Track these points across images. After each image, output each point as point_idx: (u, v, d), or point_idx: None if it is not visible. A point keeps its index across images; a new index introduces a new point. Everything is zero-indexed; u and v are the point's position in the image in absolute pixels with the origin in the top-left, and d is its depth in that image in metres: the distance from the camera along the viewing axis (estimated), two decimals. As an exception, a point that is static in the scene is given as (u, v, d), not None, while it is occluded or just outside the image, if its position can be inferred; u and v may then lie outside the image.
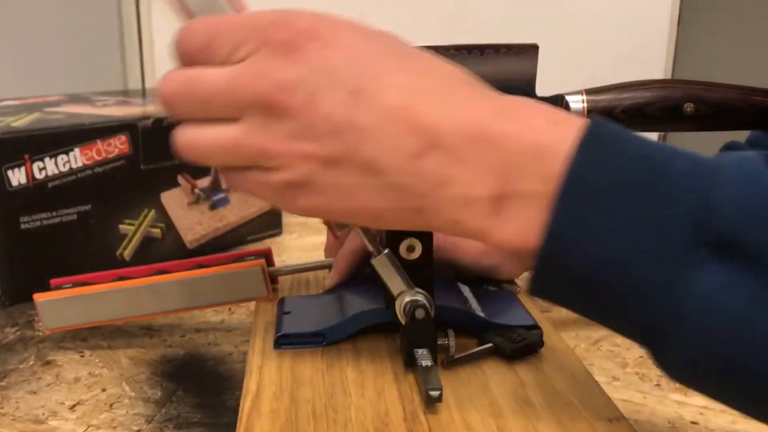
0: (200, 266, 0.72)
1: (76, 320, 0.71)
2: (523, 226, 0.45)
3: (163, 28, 1.29)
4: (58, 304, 0.71)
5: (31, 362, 0.73)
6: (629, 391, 0.68)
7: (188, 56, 0.51)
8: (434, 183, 0.46)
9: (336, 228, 0.59)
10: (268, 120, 0.48)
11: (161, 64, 1.32)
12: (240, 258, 0.73)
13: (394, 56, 0.49)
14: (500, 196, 0.45)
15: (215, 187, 1.02)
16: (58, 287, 0.72)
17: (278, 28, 0.48)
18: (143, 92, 1.24)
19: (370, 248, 0.59)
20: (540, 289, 0.47)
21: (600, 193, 0.43)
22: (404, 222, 0.49)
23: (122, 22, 1.32)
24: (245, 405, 0.54)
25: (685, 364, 0.43)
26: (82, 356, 0.74)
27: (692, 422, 0.63)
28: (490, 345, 0.61)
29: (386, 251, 0.59)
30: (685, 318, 0.42)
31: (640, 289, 0.43)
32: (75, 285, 0.71)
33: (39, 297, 0.71)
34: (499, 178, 0.45)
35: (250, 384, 0.57)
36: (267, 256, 0.74)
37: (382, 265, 0.59)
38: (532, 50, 0.62)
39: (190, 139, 0.51)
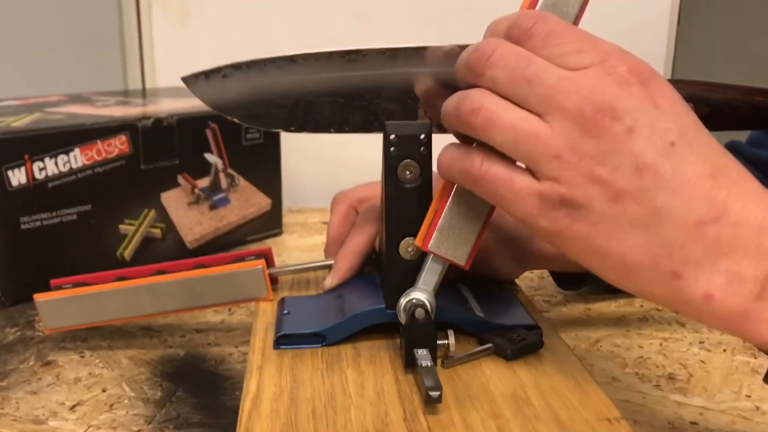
0: (200, 266, 0.72)
1: (77, 320, 0.71)
2: None
3: (163, 28, 1.29)
4: (59, 304, 0.70)
5: (32, 362, 0.73)
6: (629, 392, 0.68)
7: (520, 37, 0.51)
8: (709, 252, 0.46)
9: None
10: (578, 133, 0.48)
11: (161, 64, 1.32)
12: (240, 258, 0.73)
13: (703, 129, 0.50)
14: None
15: (215, 187, 1.02)
16: (58, 287, 0.72)
17: (618, 57, 0.49)
18: (143, 92, 1.24)
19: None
20: None
21: None
22: (650, 283, 0.49)
23: (122, 23, 1.32)
24: (245, 405, 0.54)
25: None
26: (83, 357, 0.74)
27: (692, 422, 0.63)
28: (489, 345, 0.61)
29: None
30: None
31: None
32: (75, 285, 0.71)
33: (39, 297, 0.71)
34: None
35: (250, 384, 0.57)
36: (267, 256, 0.74)
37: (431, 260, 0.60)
38: (532, 51, 0.61)
39: (490, 108, 0.51)
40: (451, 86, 0.57)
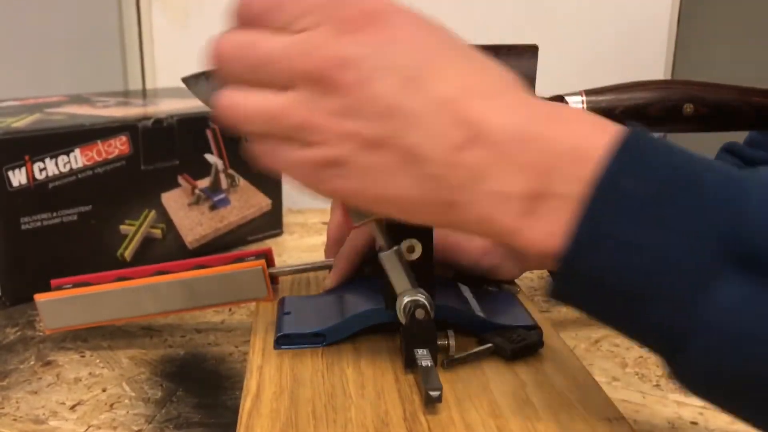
0: (200, 267, 0.72)
1: (77, 320, 0.71)
2: (553, 228, 0.45)
3: (163, 28, 1.29)
4: (59, 304, 0.71)
5: (32, 362, 0.73)
6: (629, 391, 0.68)
7: (248, 18, 0.51)
8: (472, 176, 0.46)
9: (354, 217, 0.58)
10: (317, 94, 0.48)
11: (162, 64, 1.32)
12: (240, 258, 0.73)
13: (450, 51, 0.49)
14: (536, 195, 0.45)
15: (216, 187, 1.02)
16: (59, 287, 0.72)
17: (344, 5, 0.48)
18: (144, 93, 1.24)
19: (381, 242, 0.59)
20: (561, 293, 0.47)
21: (630, 201, 0.43)
22: (434, 216, 0.49)
23: (123, 23, 1.32)
24: (245, 405, 0.54)
25: (703, 375, 0.43)
26: (83, 356, 0.74)
27: (692, 422, 0.63)
28: (489, 345, 0.61)
29: (396, 248, 0.59)
30: (707, 328, 0.41)
31: (663, 298, 0.43)
32: (75, 285, 0.71)
33: (40, 297, 0.71)
34: (537, 177, 0.45)
35: (251, 384, 0.57)
36: (267, 256, 0.74)
37: (389, 261, 0.59)
38: (532, 51, 0.62)
39: (234, 101, 0.51)
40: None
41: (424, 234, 0.61)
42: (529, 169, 0.45)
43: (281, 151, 0.50)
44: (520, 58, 0.62)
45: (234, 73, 0.51)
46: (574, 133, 0.46)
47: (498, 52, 0.62)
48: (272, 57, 0.49)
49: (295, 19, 0.49)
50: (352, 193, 0.50)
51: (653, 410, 0.65)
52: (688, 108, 0.63)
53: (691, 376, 0.44)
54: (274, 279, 0.74)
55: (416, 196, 0.48)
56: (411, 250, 0.61)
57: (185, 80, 0.62)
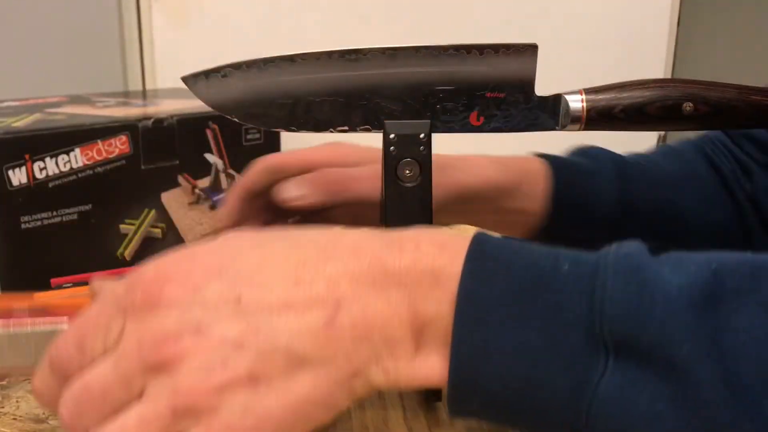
0: None
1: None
2: (440, 356, 0.45)
3: (163, 28, 1.29)
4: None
5: (32, 362, 0.73)
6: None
7: (69, 367, 0.47)
8: (358, 338, 0.44)
9: None
10: (168, 379, 0.44)
11: (161, 65, 1.32)
12: None
13: (252, 248, 0.48)
14: (417, 330, 0.45)
15: (216, 187, 1.02)
16: (59, 287, 0.71)
17: (130, 292, 0.46)
18: (143, 93, 1.24)
19: None
20: (457, 411, 0.46)
21: (491, 308, 0.43)
22: (352, 394, 0.46)
23: (122, 23, 1.32)
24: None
25: None
26: (83, 356, 0.74)
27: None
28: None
29: None
30: (595, 420, 0.42)
31: (549, 396, 0.43)
32: (75, 285, 0.71)
33: None
34: (411, 311, 0.44)
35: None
36: None
37: None
38: (531, 50, 0.62)
39: None
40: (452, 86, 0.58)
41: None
42: (401, 306, 0.45)
43: None
44: (519, 57, 0.62)
45: (95, 421, 0.46)
46: (425, 256, 0.45)
47: (497, 51, 0.62)
48: (110, 381, 0.45)
49: (105, 336, 0.46)
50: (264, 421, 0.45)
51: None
52: (688, 107, 0.63)
53: None
54: None
55: (325, 391, 0.45)
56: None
57: (185, 79, 0.63)
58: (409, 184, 0.61)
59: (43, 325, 0.59)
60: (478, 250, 0.45)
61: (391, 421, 0.52)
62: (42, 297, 0.63)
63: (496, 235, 0.46)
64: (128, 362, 0.45)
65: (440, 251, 0.45)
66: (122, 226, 0.94)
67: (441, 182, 0.68)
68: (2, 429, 0.62)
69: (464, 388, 0.44)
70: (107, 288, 0.49)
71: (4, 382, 0.69)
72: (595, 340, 0.41)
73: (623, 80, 0.66)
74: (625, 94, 0.63)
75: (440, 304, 0.44)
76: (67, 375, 0.47)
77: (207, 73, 0.62)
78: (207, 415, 0.43)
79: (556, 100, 0.63)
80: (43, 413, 0.64)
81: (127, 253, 0.95)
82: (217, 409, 0.43)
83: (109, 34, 1.33)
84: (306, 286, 0.45)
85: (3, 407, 0.65)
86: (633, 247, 0.45)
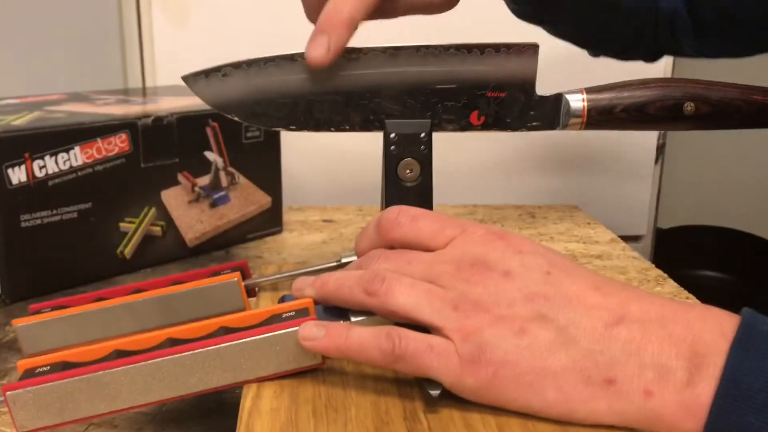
0: (177, 283, 0.71)
1: (57, 343, 0.70)
2: (702, 395, 0.47)
3: (163, 27, 1.29)
4: (38, 327, 0.69)
5: (32, 361, 0.73)
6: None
7: (389, 227, 0.57)
8: (628, 351, 0.48)
9: None
10: (465, 284, 0.52)
11: (161, 63, 1.32)
12: (216, 273, 0.73)
13: (567, 259, 0.55)
14: (695, 364, 0.47)
15: (215, 185, 1.02)
16: (38, 312, 0.70)
17: (474, 225, 0.56)
18: (143, 91, 1.24)
19: None
20: None
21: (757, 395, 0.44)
22: (592, 400, 0.49)
23: (122, 22, 1.32)
24: (245, 404, 0.54)
25: None
26: (83, 355, 0.74)
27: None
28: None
29: None
30: None
31: None
32: (54, 309, 0.70)
33: (18, 322, 0.69)
34: (691, 348, 0.47)
35: (251, 383, 0.57)
36: (242, 269, 0.73)
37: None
38: (532, 49, 0.62)
39: (390, 275, 0.54)
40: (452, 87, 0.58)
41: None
42: (680, 341, 0.48)
43: (427, 342, 0.52)
44: (520, 57, 0.62)
45: (400, 265, 0.56)
46: (711, 311, 0.50)
47: (498, 50, 0.62)
48: (422, 258, 0.56)
49: (437, 231, 0.56)
50: (506, 381, 0.50)
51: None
52: (689, 106, 0.63)
53: None
54: (250, 291, 0.74)
55: (574, 377, 0.49)
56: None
57: (185, 79, 0.63)
58: (409, 184, 0.61)
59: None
60: (748, 333, 0.47)
61: (391, 420, 0.52)
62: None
63: None
64: (446, 264, 0.54)
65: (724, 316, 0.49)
66: (122, 225, 0.94)
67: None
68: (3, 429, 0.62)
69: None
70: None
71: (3, 382, 0.69)
72: None
73: (623, 79, 0.66)
74: (626, 94, 0.63)
75: (716, 351, 0.47)
76: (388, 239, 0.57)
77: (207, 73, 0.62)
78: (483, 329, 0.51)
79: (557, 99, 0.64)
80: (43, 412, 0.64)
81: (127, 252, 0.95)
82: (482, 331, 0.51)
83: (109, 32, 1.33)
84: (602, 294, 0.51)
85: (3, 407, 0.65)
86: None
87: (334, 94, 0.62)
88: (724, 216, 2.14)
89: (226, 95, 0.63)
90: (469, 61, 0.61)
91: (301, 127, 0.63)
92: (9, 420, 0.63)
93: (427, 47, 0.61)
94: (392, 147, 0.60)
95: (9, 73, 1.20)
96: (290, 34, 1.32)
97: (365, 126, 0.63)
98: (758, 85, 0.65)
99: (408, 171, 0.60)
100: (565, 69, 0.98)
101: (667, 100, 0.63)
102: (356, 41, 0.62)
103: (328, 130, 0.64)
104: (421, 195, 0.61)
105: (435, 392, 0.52)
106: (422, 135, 0.60)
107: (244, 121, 0.64)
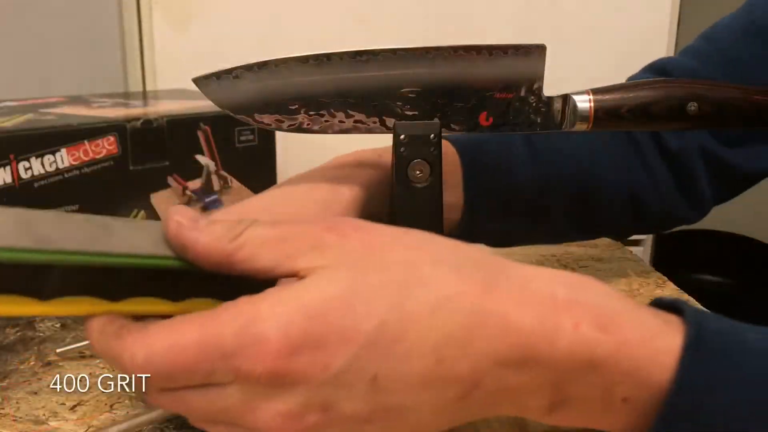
0: None
1: None
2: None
3: (164, 31, 1.28)
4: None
5: (32, 363, 0.73)
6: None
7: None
8: (485, 407, 0.44)
9: None
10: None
11: (162, 67, 1.31)
12: None
13: (392, 296, 0.43)
14: (557, 402, 0.44)
15: (207, 189, 1.02)
16: None
17: (247, 358, 0.41)
18: (144, 94, 1.23)
19: None
20: None
21: (705, 411, 0.42)
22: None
23: (123, 26, 1.31)
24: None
25: None
26: (83, 356, 0.74)
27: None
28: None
29: None
30: None
31: None
32: None
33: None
34: (554, 391, 0.43)
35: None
36: None
37: None
38: (539, 51, 0.62)
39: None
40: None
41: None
42: (546, 385, 0.44)
43: None
44: (528, 58, 0.62)
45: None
46: (580, 349, 0.43)
47: (506, 52, 0.62)
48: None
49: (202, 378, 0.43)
50: None
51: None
52: (692, 107, 0.64)
53: None
54: None
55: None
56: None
57: (196, 81, 0.62)
58: (419, 185, 0.61)
59: None
60: (694, 339, 0.43)
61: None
62: None
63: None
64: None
65: (604, 336, 0.43)
66: (113, 226, 0.94)
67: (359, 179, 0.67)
68: (2, 430, 0.62)
69: None
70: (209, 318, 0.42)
71: (3, 383, 0.68)
72: None
73: (624, 80, 0.67)
74: (631, 94, 0.64)
75: (594, 388, 0.43)
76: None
77: (218, 75, 0.62)
78: None
79: (564, 100, 0.64)
80: (43, 414, 0.64)
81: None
82: None
83: (110, 38, 1.32)
84: (448, 367, 0.42)
85: (3, 408, 0.65)
86: None
87: (344, 95, 0.62)
88: (723, 220, 2.16)
89: (237, 97, 0.62)
90: (478, 63, 0.62)
91: (310, 130, 0.64)
92: (9, 422, 0.63)
93: (436, 49, 0.62)
94: (402, 149, 0.61)
95: (11, 77, 1.19)
96: (291, 37, 1.33)
97: (375, 128, 0.64)
98: (758, 86, 0.67)
99: (418, 172, 0.61)
100: (566, 70, 0.99)
101: (671, 100, 0.64)
102: (359, 45, 0.63)
103: (339, 132, 0.64)
104: (431, 196, 0.61)
105: None
106: (432, 136, 0.61)
107: (254, 124, 0.63)
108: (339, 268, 0.43)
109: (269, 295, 0.42)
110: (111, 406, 0.65)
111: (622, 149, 0.82)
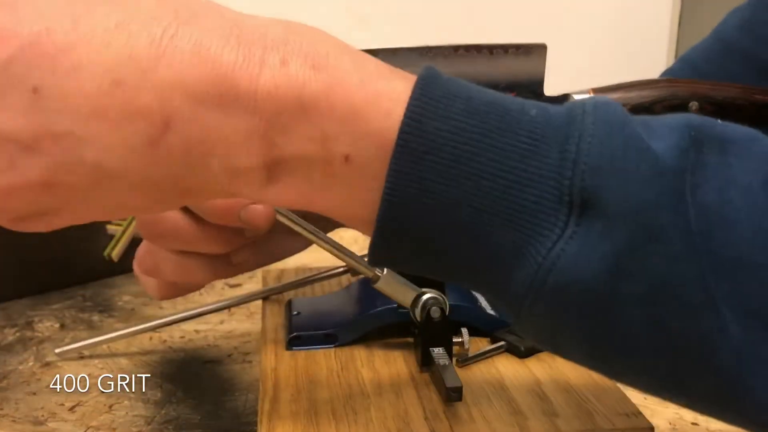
0: None
1: None
2: (358, 191, 0.39)
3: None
4: None
5: (31, 363, 0.72)
6: (629, 392, 0.68)
7: None
8: (188, 164, 0.38)
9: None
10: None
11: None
12: None
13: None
14: (272, 163, 0.38)
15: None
16: None
17: None
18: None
19: (368, 274, 0.57)
20: (380, 256, 0.40)
21: (441, 145, 0.37)
22: (177, 205, 0.44)
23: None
24: (264, 407, 0.54)
25: (544, 329, 0.39)
26: (82, 357, 0.73)
27: (693, 423, 0.63)
28: (503, 343, 0.61)
29: (385, 271, 0.56)
30: (543, 285, 0.37)
31: (492, 254, 0.38)
32: None
33: None
34: (264, 144, 0.38)
35: (267, 386, 0.56)
36: None
37: (388, 283, 0.57)
38: (540, 50, 0.62)
39: None
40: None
41: None
42: (253, 136, 0.37)
43: None
44: (529, 57, 0.62)
45: None
46: (287, 84, 0.37)
47: (507, 51, 0.62)
48: None
49: None
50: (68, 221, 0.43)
51: (654, 410, 0.65)
52: (694, 106, 0.64)
53: (532, 330, 0.40)
54: None
55: (144, 204, 0.41)
56: None
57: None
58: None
59: None
60: (427, 77, 0.38)
61: (412, 420, 0.52)
62: None
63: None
64: None
65: (315, 73, 0.37)
66: (109, 227, 0.93)
67: None
68: (1, 431, 0.62)
69: (392, 230, 0.38)
70: None
71: (3, 384, 0.68)
72: (561, 195, 0.36)
73: (624, 80, 0.67)
74: (633, 94, 0.64)
75: (309, 142, 0.38)
76: None
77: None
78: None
79: (565, 99, 0.64)
80: (42, 415, 0.64)
81: (115, 254, 0.94)
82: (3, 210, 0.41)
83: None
84: (128, 95, 0.36)
85: (2, 409, 0.65)
86: (612, 103, 0.39)
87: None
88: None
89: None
90: (479, 62, 0.62)
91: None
92: (8, 422, 0.63)
93: (436, 48, 0.61)
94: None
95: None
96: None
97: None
98: (758, 85, 0.66)
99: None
100: (567, 69, 0.99)
101: (673, 99, 0.64)
102: (360, 44, 0.62)
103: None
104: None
105: (455, 391, 0.53)
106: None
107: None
108: None
109: None
110: (110, 406, 0.65)
111: None
